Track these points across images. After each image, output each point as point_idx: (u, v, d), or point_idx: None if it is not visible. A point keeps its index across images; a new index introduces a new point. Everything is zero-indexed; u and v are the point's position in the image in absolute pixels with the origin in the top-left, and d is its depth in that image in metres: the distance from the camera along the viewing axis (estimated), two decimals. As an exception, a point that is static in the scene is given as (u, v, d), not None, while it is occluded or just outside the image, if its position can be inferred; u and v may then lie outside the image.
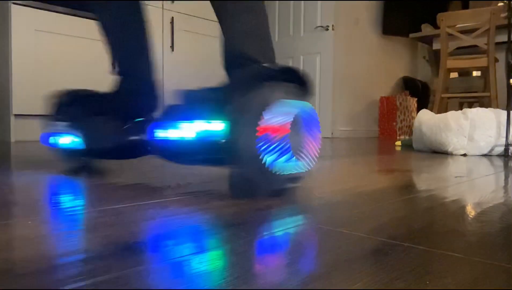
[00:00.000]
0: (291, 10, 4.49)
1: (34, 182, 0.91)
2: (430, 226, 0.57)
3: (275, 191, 0.75)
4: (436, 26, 3.80)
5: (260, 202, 0.72)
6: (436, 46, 3.99)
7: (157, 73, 3.38)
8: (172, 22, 3.31)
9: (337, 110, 4.31)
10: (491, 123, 1.93)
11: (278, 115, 0.72)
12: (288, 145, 0.74)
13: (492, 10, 3.07)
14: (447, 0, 4.62)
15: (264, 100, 0.72)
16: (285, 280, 0.36)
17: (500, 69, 3.45)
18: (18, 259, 0.41)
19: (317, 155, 0.84)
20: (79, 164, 1.15)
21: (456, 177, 1.12)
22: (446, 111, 3.28)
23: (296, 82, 0.81)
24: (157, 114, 1.11)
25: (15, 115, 2.58)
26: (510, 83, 1.98)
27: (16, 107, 2.56)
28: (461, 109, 2.97)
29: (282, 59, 4.61)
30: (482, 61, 3.18)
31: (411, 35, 4.19)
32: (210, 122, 0.75)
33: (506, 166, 1.46)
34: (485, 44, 3.16)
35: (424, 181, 1.04)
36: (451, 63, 3.28)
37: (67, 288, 0.33)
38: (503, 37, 3.32)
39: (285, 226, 0.56)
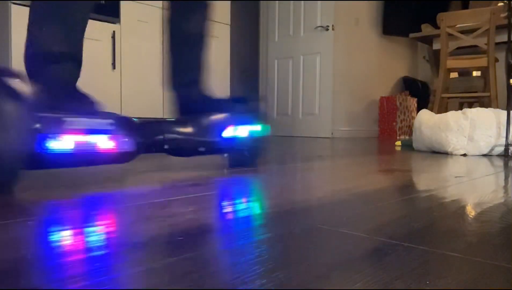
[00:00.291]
0: (291, 10, 4.49)
1: (33, 182, 0.91)
2: (430, 226, 0.57)
3: None
4: (436, 26, 3.79)
5: (260, 202, 0.72)
6: (436, 46, 3.98)
7: (156, 74, 3.37)
8: (172, 22, 3.30)
9: (337, 110, 4.30)
10: (491, 123, 1.93)
11: None
12: None
13: (492, 10, 3.07)
14: (447, 0, 4.61)
15: None
16: (285, 280, 0.36)
17: (500, 69, 3.45)
18: (18, 259, 0.41)
19: None
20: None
21: (456, 177, 1.12)
22: (446, 111, 3.28)
23: None
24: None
25: (15, 115, 2.58)
26: (510, 83, 1.98)
27: (16, 107, 2.56)
28: (461, 109, 2.97)
29: (282, 59, 4.61)
30: (482, 61, 3.18)
31: (411, 35, 4.19)
32: None
33: (506, 166, 1.46)
34: (485, 44, 3.16)
35: (424, 181, 1.04)
36: (451, 63, 3.28)
37: (67, 288, 0.33)
38: (503, 37, 3.32)
39: (285, 226, 0.55)
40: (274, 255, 0.43)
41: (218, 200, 0.74)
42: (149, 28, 3.17)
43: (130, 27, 3.05)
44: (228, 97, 1.13)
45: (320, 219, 0.60)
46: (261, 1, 4.78)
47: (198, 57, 1.30)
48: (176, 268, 0.39)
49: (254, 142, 1.19)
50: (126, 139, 0.86)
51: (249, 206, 0.68)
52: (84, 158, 0.80)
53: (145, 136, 0.97)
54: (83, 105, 1.02)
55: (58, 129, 0.76)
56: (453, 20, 3.25)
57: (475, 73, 3.90)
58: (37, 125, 0.74)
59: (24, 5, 2.57)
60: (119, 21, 2.97)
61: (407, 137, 4.08)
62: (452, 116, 2.03)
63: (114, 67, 2.95)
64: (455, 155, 1.95)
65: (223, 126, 1.12)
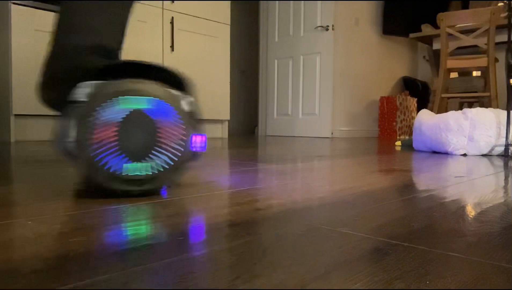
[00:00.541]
0: (291, 10, 4.49)
1: (34, 182, 0.91)
2: (430, 226, 0.57)
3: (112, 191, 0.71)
4: (436, 26, 3.80)
5: (260, 202, 0.72)
6: (436, 46, 3.99)
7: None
8: (172, 22, 3.31)
9: (337, 110, 4.30)
10: (491, 123, 1.93)
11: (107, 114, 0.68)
12: (117, 146, 0.69)
13: (492, 10, 3.07)
14: (447, 0, 4.62)
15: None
16: (285, 280, 0.36)
17: (500, 69, 3.45)
18: (18, 259, 0.41)
19: (184, 146, 0.75)
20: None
21: (456, 177, 1.12)
22: (446, 111, 3.29)
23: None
24: None
25: (15, 115, 2.58)
26: (510, 83, 1.98)
27: (16, 107, 2.56)
28: (461, 109, 2.97)
29: (282, 59, 4.61)
30: (482, 61, 3.18)
31: (411, 35, 4.19)
32: None
33: (506, 166, 1.46)
34: (485, 44, 3.16)
35: (424, 181, 1.04)
36: (451, 63, 3.28)
37: (67, 288, 0.33)
38: (503, 37, 3.33)
39: (285, 226, 0.55)
40: (274, 254, 0.43)
41: (216, 199, 0.74)
42: (149, 28, 3.17)
43: (130, 27, 3.05)
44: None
45: (320, 219, 0.60)
46: (261, 1, 4.78)
47: None
48: (176, 268, 0.39)
49: None
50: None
51: (248, 206, 0.68)
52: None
53: None
54: None
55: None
56: (453, 20, 3.25)
57: (475, 73, 3.90)
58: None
59: (24, 5, 2.57)
60: (119, 21, 2.97)
61: (407, 137, 4.08)
62: (452, 116, 2.03)
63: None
64: (455, 155, 1.95)
65: None
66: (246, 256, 0.43)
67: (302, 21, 4.39)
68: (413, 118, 4.69)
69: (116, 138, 0.69)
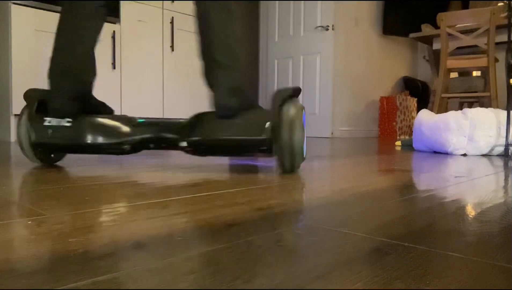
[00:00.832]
0: (291, 10, 4.49)
1: (34, 182, 0.91)
2: (430, 226, 0.57)
3: None
4: (436, 26, 3.80)
5: (260, 202, 0.72)
6: (436, 46, 3.99)
7: (156, 74, 3.37)
8: (172, 22, 3.31)
9: (337, 110, 4.30)
10: (491, 123, 1.93)
11: None
12: None
13: (492, 10, 3.07)
14: (447, 0, 4.61)
15: None
16: (285, 280, 0.36)
17: (500, 69, 3.45)
18: (18, 259, 0.41)
19: None
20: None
21: (456, 177, 1.12)
22: (446, 111, 3.28)
23: None
24: None
25: (15, 115, 2.58)
26: (510, 83, 1.98)
27: (16, 107, 2.56)
28: (461, 109, 2.97)
29: (282, 59, 4.61)
30: (482, 61, 3.18)
31: (411, 35, 4.19)
32: None
33: (506, 166, 1.46)
34: (485, 44, 3.16)
35: (424, 181, 1.04)
36: (451, 63, 3.28)
37: (67, 288, 0.33)
38: (503, 37, 3.33)
39: (285, 226, 0.55)
40: (274, 254, 0.43)
41: (216, 200, 0.74)
42: (149, 28, 3.17)
43: (130, 27, 3.05)
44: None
45: (320, 219, 0.60)
46: (261, 1, 4.78)
47: None
48: (176, 268, 0.39)
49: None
50: None
51: (248, 206, 0.68)
52: None
53: None
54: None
55: None
56: (453, 20, 3.25)
57: (475, 73, 3.90)
58: None
59: (24, 5, 2.57)
60: (119, 21, 2.97)
61: (407, 137, 4.08)
62: (452, 116, 2.03)
63: (114, 67, 2.95)
64: (455, 155, 1.95)
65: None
66: (246, 256, 0.43)
67: (302, 21, 4.39)
68: (413, 118, 4.70)
69: None
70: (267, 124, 1.10)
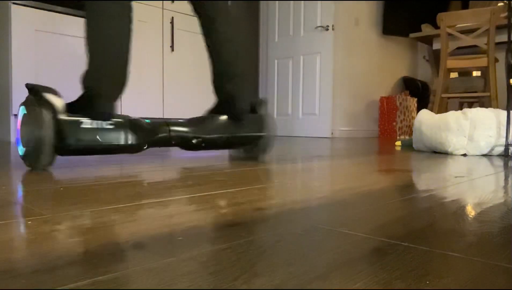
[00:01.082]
0: (291, 10, 4.49)
1: (33, 182, 0.91)
2: (430, 226, 0.57)
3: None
4: (436, 26, 3.80)
5: (260, 202, 0.72)
6: (436, 46, 3.99)
7: (156, 74, 3.37)
8: (172, 22, 3.31)
9: (337, 110, 4.31)
10: (491, 123, 1.93)
11: None
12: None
13: (492, 10, 3.07)
14: (447, 0, 4.61)
15: None
16: (285, 280, 0.36)
17: (500, 69, 3.45)
18: (18, 259, 0.41)
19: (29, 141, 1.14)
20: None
21: (456, 177, 1.12)
22: (446, 111, 3.29)
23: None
24: None
25: (15, 115, 2.58)
26: (510, 83, 1.98)
27: (16, 107, 2.56)
28: (461, 109, 2.97)
29: (282, 59, 4.61)
30: (482, 61, 3.18)
31: (411, 35, 4.19)
32: None
33: (506, 166, 1.46)
34: (485, 44, 3.16)
35: (424, 181, 1.04)
36: (451, 63, 3.28)
37: (67, 288, 0.33)
38: (503, 37, 3.33)
39: (285, 226, 0.55)
40: (274, 254, 0.43)
41: (216, 200, 0.74)
42: (149, 28, 3.17)
43: (130, 27, 3.04)
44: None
45: (320, 219, 0.60)
46: (261, 1, 4.78)
47: None
48: (176, 268, 0.39)
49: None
50: None
51: (248, 206, 0.68)
52: None
53: None
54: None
55: None
56: (453, 20, 3.25)
57: (475, 73, 3.90)
58: None
59: (24, 5, 2.57)
60: (119, 21, 2.97)
61: (407, 137, 4.08)
62: (452, 116, 2.03)
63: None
64: (455, 155, 1.95)
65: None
66: (246, 256, 0.43)
67: (302, 21, 4.39)
68: (413, 118, 4.70)
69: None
70: (263, 124, 1.49)
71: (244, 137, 1.44)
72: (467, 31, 3.36)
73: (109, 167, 1.21)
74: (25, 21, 2.57)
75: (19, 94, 2.56)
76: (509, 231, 0.55)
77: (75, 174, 1.06)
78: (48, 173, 1.07)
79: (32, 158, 1.09)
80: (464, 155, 1.95)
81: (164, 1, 3.25)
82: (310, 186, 0.93)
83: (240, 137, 1.43)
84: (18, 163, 1.29)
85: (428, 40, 4.17)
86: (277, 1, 4.61)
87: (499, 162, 1.60)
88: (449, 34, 3.27)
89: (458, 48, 3.34)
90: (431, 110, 3.48)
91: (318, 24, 4.24)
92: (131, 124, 1.21)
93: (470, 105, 3.84)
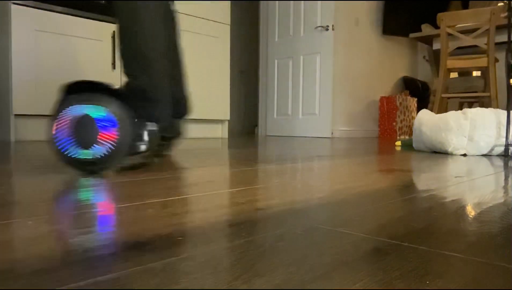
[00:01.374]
0: (291, 10, 4.49)
1: (34, 182, 0.91)
2: (430, 226, 0.57)
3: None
4: (436, 26, 3.80)
5: (260, 202, 0.72)
6: (436, 46, 3.99)
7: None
8: (172, 22, 3.30)
9: (337, 110, 4.31)
10: (491, 123, 1.93)
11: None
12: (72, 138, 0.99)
13: (492, 10, 3.07)
14: (447, 0, 4.61)
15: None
16: (285, 280, 0.36)
17: (500, 69, 3.45)
18: (18, 259, 0.41)
19: (114, 144, 1.01)
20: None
21: (456, 177, 1.12)
22: (446, 111, 3.28)
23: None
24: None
25: (15, 115, 2.58)
26: (510, 83, 1.98)
27: (16, 107, 2.56)
28: (461, 109, 2.97)
29: (282, 59, 4.61)
30: (482, 61, 3.18)
31: (411, 35, 4.20)
32: None
33: (506, 166, 1.46)
34: (485, 44, 3.16)
35: (424, 181, 1.04)
36: (451, 63, 3.28)
37: (67, 288, 0.33)
38: (503, 37, 3.33)
39: (285, 226, 0.55)
40: (274, 254, 0.43)
41: (216, 199, 0.74)
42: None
43: (130, 27, 3.04)
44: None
45: (320, 219, 0.60)
46: (261, 1, 4.78)
47: None
48: (176, 268, 0.39)
49: None
50: None
51: (248, 206, 0.68)
52: None
53: None
54: None
55: None
56: (453, 20, 3.25)
57: (475, 73, 3.90)
58: None
59: (24, 5, 2.57)
60: (119, 21, 2.97)
61: (407, 137, 4.08)
62: (452, 116, 2.03)
63: (114, 67, 2.95)
64: (455, 155, 1.95)
65: None
66: (246, 256, 0.43)
67: (302, 21, 4.39)
68: (413, 118, 4.70)
69: (70, 132, 0.99)
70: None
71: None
72: (467, 31, 3.36)
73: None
74: (25, 21, 2.57)
75: (19, 94, 2.56)
76: (509, 231, 0.55)
77: (74, 174, 1.06)
78: (48, 173, 1.07)
79: (107, 162, 1.02)
80: (464, 155, 1.95)
81: (164, 1, 3.25)
82: (310, 186, 0.93)
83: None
84: (18, 163, 1.29)
85: (428, 40, 4.17)
86: (277, 1, 4.61)
87: (499, 162, 1.60)
88: (449, 34, 3.28)
89: (458, 48, 3.34)
90: (431, 110, 3.48)
91: (318, 24, 4.24)
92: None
93: (470, 105, 3.84)
